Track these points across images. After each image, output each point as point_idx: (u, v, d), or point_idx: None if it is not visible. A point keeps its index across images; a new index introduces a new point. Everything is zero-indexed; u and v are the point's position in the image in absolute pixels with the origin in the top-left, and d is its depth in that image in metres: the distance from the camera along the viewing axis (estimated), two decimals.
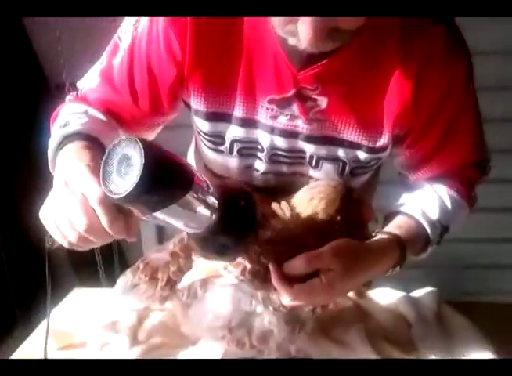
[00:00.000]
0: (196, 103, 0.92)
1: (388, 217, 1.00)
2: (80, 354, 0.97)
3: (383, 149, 0.93)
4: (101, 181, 0.62)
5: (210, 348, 0.92)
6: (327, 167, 0.96)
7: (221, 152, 0.99)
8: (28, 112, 1.97)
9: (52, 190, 0.74)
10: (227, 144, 0.96)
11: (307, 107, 0.89)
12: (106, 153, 0.62)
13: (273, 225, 0.84)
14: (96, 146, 0.80)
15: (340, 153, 0.94)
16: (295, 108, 0.89)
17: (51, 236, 0.74)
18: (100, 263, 1.96)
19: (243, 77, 0.89)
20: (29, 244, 1.57)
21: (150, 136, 1.03)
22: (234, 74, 0.89)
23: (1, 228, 1.96)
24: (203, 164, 1.09)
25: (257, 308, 0.90)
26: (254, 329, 0.89)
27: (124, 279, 0.90)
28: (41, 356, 0.86)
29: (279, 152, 0.96)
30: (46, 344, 0.86)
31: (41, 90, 2.14)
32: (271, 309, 0.88)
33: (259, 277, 0.83)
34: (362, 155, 0.94)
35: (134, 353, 0.93)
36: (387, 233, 0.92)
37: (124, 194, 0.59)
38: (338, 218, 0.88)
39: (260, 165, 0.99)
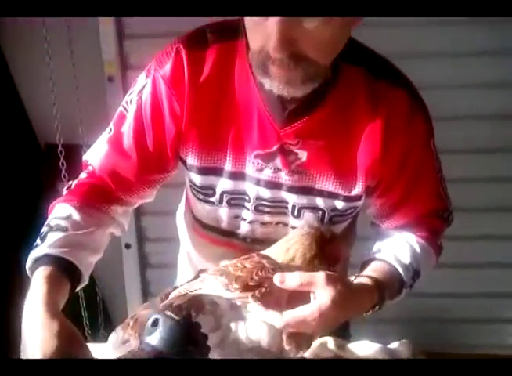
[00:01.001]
0: (191, 159, 1.02)
1: (364, 264, 1.07)
2: None
3: (358, 198, 1.02)
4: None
5: None
6: (308, 216, 1.04)
7: (212, 203, 1.08)
8: (17, 173, 2.06)
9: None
10: (217, 195, 1.06)
11: (289, 161, 0.99)
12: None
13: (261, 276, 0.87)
14: (61, 273, 0.92)
15: (320, 202, 1.03)
16: (278, 162, 0.99)
17: None
18: (86, 319, 1.99)
19: (232, 135, 0.99)
20: None
21: (151, 194, 1.12)
22: (225, 132, 0.99)
23: None
24: (193, 216, 1.19)
25: None
26: None
27: (115, 335, 0.93)
28: None
29: (264, 202, 1.05)
30: None
31: (32, 150, 2.20)
32: None
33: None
34: (339, 204, 1.03)
35: None
36: (366, 276, 0.99)
37: None
38: (317, 262, 0.92)
39: (247, 215, 1.08)
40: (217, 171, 1.02)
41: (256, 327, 0.89)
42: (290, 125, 0.95)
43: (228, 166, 1.01)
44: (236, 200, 1.06)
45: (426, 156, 1.02)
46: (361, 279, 0.98)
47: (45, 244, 0.95)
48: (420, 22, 1.87)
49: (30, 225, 1.24)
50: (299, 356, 0.93)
